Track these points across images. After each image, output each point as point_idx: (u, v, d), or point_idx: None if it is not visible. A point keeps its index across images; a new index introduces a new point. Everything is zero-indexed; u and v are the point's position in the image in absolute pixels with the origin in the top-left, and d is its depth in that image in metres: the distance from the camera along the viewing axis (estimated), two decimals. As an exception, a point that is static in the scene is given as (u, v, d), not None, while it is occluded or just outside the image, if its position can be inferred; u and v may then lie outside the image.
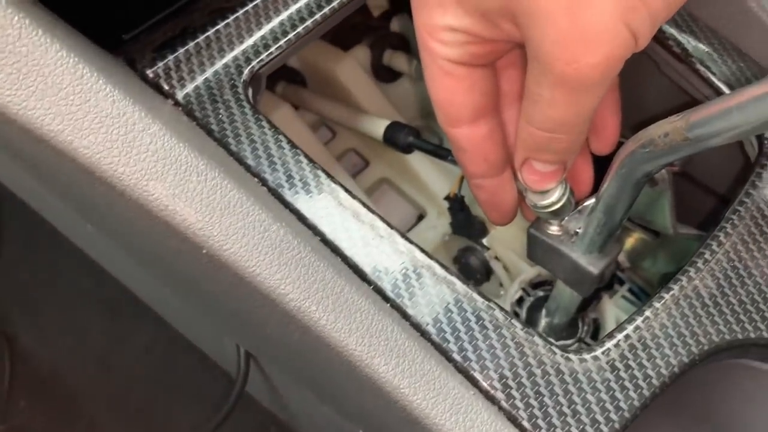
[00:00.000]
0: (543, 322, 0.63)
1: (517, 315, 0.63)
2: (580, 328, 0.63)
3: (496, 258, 0.66)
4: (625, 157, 0.39)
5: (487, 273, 0.68)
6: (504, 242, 0.66)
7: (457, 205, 0.66)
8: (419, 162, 0.69)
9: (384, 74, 0.72)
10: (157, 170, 0.35)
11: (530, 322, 0.63)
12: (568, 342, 0.62)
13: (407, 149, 0.61)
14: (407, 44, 0.72)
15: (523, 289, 0.64)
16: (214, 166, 0.36)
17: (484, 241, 0.67)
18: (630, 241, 0.63)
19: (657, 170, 0.42)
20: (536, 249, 0.46)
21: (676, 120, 0.36)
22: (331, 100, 0.69)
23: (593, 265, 0.46)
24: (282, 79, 0.71)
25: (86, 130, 0.34)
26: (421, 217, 0.72)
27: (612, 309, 0.63)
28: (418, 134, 0.61)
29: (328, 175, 0.42)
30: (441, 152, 0.58)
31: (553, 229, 0.46)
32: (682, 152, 0.36)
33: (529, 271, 0.63)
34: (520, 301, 0.64)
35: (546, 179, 0.37)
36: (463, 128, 0.36)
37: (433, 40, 0.33)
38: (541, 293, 0.64)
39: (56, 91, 0.33)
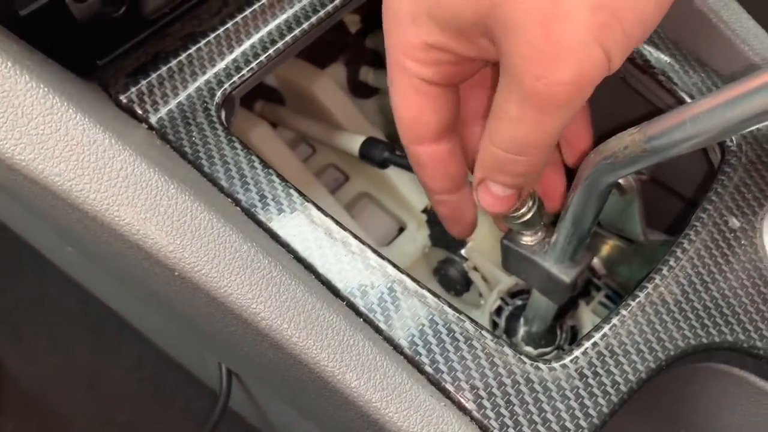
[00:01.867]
0: (522, 330, 0.64)
1: (496, 325, 0.64)
2: (559, 335, 0.64)
3: (475, 269, 0.67)
4: (588, 169, 0.40)
5: (466, 283, 0.69)
6: (482, 253, 0.67)
7: (434, 217, 0.67)
8: (397, 176, 0.70)
9: (360, 90, 0.73)
10: (128, 195, 0.35)
11: (509, 331, 0.64)
12: (547, 350, 0.63)
13: (383, 164, 0.62)
14: (382, 60, 0.73)
15: (502, 299, 0.65)
16: (185, 189, 0.37)
17: (463, 252, 0.68)
18: (605, 248, 0.64)
19: (619, 180, 0.43)
20: (510, 259, 0.47)
21: (635, 132, 0.37)
22: (309, 117, 0.70)
23: (565, 274, 0.47)
24: (260, 97, 0.72)
25: (57, 159, 0.34)
26: (402, 230, 0.73)
27: (589, 315, 0.64)
28: (393, 149, 0.62)
29: (301, 194, 0.43)
30: None
31: (526, 239, 0.47)
32: (642, 163, 0.37)
33: (507, 281, 0.64)
34: (499, 311, 0.65)
35: (500, 203, 0.36)
36: (426, 145, 0.37)
37: (408, 59, 0.33)
38: (519, 302, 0.65)
39: (27, 121, 0.34)
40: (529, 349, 0.64)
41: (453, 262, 0.68)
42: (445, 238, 0.68)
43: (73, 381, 0.91)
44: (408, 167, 0.62)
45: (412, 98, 0.35)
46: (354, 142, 0.62)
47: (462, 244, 0.67)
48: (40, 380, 0.92)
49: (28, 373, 0.93)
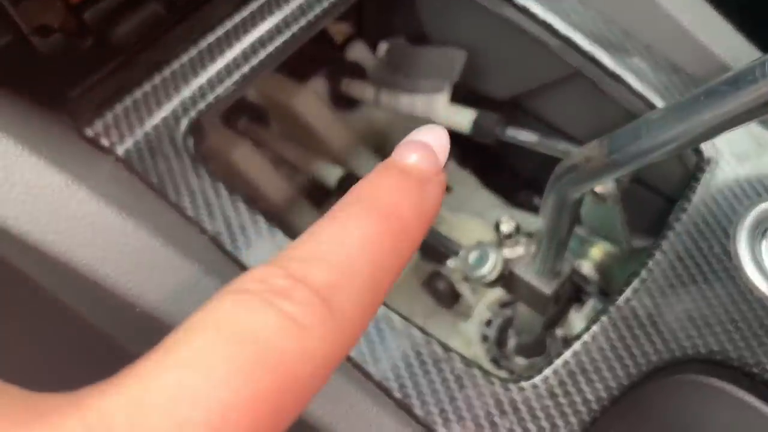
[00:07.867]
0: (511, 341, 0.63)
1: (486, 336, 0.64)
2: (550, 344, 0.63)
3: (464, 280, 0.67)
4: (554, 182, 0.40)
5: (456, 296, 0.68)
6: (469, 263, 0.67)
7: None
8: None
9: (343, 103, 0.73)
10: (85, 236, 0.35)
11: (500, 342, 0.64)
12: (538, 359, 0.62)
13: None
14: (363, 72, 0.72)
15: (491, 310, 0.64)
16: (142, 225, 0.37)
17: (451, 263, 0.67)
18: (597, 253, 0.63)
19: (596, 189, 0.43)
20: (493, 273, 0.47)
21: (596, 145, 0.36)
22: (289, 141, 0.69)
23: (546, 286, 0.46)
24: (244, 113, 0.72)
25: (12, 202, 0.35)
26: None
27: (581, 324, 0.63)
28: None
29: (267, 220, 0.43)
30: None
31: (507, 252, 0.47)
32: (606, 176, 0.36)
33: (495, 292, 0.64)
34: (489, 322, 0.64)
35: None
36: None
37: None
38: (509, 312, 0.64)
39: (-21, 167, 0.34)
40: (520, 359, 0.64)
41: (441, 275, 0.67)
42: (432, 251, 0.67)
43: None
44: None
45: None
46: (331, 175, 0.62)
47: (447, 256, 0.67)
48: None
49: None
